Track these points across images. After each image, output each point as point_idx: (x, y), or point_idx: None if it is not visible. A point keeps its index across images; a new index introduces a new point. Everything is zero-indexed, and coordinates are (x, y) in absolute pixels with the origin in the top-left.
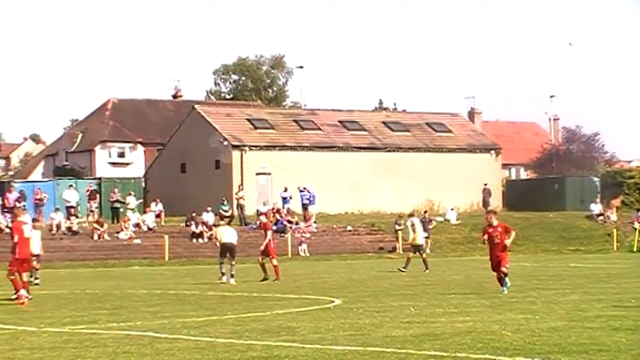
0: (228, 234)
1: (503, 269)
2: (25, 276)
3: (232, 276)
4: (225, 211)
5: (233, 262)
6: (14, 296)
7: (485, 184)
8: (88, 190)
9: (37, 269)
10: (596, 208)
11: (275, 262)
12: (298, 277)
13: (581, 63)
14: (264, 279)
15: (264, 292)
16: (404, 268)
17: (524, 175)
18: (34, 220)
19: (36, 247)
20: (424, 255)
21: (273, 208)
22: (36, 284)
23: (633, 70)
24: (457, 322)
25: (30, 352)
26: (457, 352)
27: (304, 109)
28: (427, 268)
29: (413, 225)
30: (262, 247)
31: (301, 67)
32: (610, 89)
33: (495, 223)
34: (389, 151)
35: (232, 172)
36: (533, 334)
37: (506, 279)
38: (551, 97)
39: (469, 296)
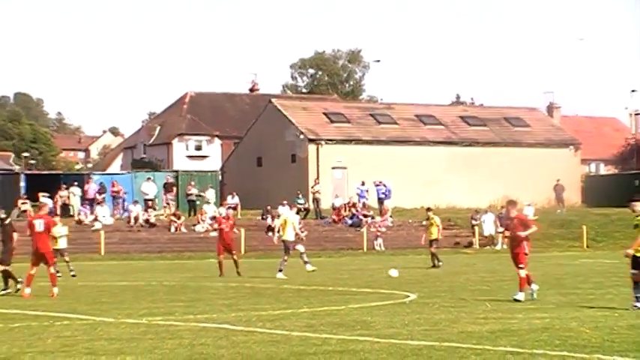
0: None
1: (519, 271)
2: (52, 269)
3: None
4: (301, 204)
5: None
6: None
7: (558, 180)
8: (165, 183)
9: (67, 261)
10: None
11: (235, 257)
12: (374, 272)
13: None
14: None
15: (339, 286)
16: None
17: (603, 170)
18: (52, 214)
19: (62, 241)
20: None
21: (348, 202)
22: (72, 276)
23: None
24: (534, 319)
25: (108, 342)
26: (534, 348)
27: (380, 103)
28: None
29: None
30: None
31: (378, 61)
32: None
33: (514, 214)
34: (465, 145)
35: (308, 165)
36: (612, 332)
37: (533, 286)
38: (632, 91)
39: (546, 292)
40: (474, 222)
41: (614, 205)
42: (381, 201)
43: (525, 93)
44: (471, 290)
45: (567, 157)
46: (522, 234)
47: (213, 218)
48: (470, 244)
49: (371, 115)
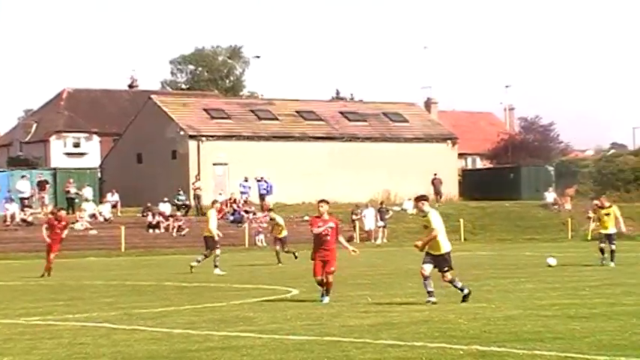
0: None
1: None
2: None
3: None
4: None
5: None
6: None
7: (435, 174)
8: (39, 181)
9: None
10: (551, 197)
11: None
12: (255, 268)
13: (535, 53)
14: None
15: (221, 283)
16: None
17: (480, 164)
18: None
19: None
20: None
21: (230, 199)
22: None
23: (587, 60)
24: (414, 312)
25: None
26: (414, 340)
27: (261, 99)
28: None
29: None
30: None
31: (258, 57)
32: (564, 79)
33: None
34: (346, 140)
35: (189, 162)
36: (488, 323)
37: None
38: (507, 87)
39: (405, 282)
40: (354, 217)
41: (490, 198)
42: (262, 197)
43: (404, 88)
44: (352, 285)
45: (445, 151)
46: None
47: (93, 216)
48: (350, 239)
49: (251, 110)
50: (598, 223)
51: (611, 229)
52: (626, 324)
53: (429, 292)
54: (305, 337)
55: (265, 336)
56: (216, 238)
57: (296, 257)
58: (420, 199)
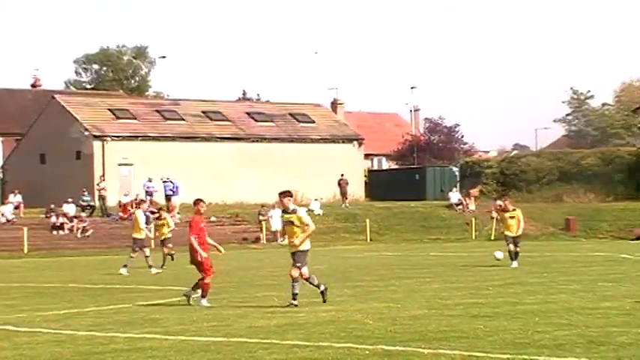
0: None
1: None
2: None
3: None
4: (87, 202)
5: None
6: None
7: (342, 175)
8: None
9: None
10: (455, 197)
11: None
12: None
13: (441, 54)
14: None
15: (126, 284)
16: None
17: (385, 165)
18: None
19: None
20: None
21: (135, 199)
22: None
23: (491, 62)
24: (320, 312)
25: None
26: (320, 341)
27: (167, 100)
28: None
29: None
30: None
31: (164, 57)
32: (469, 81)
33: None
34: (253, 141)
35: (93, 162)
36: (394, 323)
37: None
38: (412, 88)
39: (332, 286)
40: (261, 217)
41: (396, 198)
42: (168, 197)
43: (310, 89)
44: (258, 285)
45: (351, 152)
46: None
47: None
48: (257, 240)
49: (157, 111)
50: (502, 225)
51: (515, 231)
52: (528, 323)
53: (294, 295)
54: (211, 338)
55: (171, 337)
56: (145, 237)
57: (172, 259)
58: (285, 195)
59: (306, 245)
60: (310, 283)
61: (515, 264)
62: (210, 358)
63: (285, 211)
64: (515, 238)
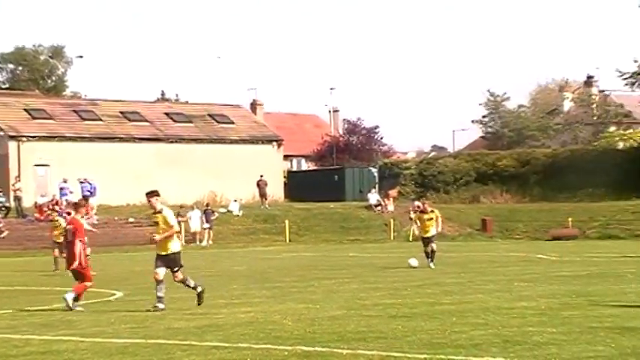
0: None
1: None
2: None
3: None
4: (2, 203)
5: None
6: None
7: (261, 176)
8: None
9: None
10: (374, 198)
11: None
12: None
13: (359, 56)
14: None
15: (43, 286)
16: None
17: (305, 166)
18: None
19: None
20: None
21: (51, 200)
22: None
23: (409, 63)
24: (239, 313)
25: None
26: (239, 342)
27: (84, 100)
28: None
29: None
30: None
31: (81, 57)
32: (388, 83)
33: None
34: (171, 142)
35: (9, 163)
36: (313, 323)
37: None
38: (331, 89)
39: (251, 287)
40: (180, 218)
41: (315, 199)
42: (85, 198)
43: (230, 90)
44: (177, 287)
45: (270, 153)
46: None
47: None
48: None
49: (74, 111)
50: (419, 225)
51: (432, 232)
52: (445, 323)
53: (158, 298)
54: (129, 340)
55: (88, 339)
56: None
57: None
58: (152, 194)
59: (175, 247)
60: (187, 285)
61: (432, 265)
62: None
63: (154, 211)
64: (431, 238)
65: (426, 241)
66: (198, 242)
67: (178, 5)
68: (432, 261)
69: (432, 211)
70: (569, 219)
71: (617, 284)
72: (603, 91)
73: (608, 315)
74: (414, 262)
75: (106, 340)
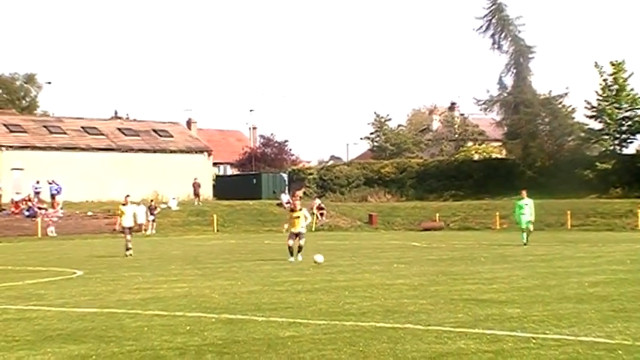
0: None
1: None
2: None
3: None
4: None
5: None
6: None
7: (195, 178)
8: None
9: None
10: (285, 197)
11: None
12: (47, 254)
13: (274, 83)
14: None
15: (17, 266)
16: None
17: (230, 171)
18: None
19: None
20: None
21: (25, 197)
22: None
23: (314, 90)
24: (176, 288)
25: None
26: (176, 311)
27: (52, 117)
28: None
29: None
30: None
31: (49, 83)
32: (296, 105)
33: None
34: (122, 151)
35: None
36: (235, 296)
37: None
38: (251, 110)
39: (186, 267)
40: (119, 217)
41: (238, 198)
42: (53, 196)
43: (170, 110)
44: (126, 267)
45: (202, 161)
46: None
47: None
48: (122, 231)
49: (44, 126)
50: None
51: (300, 229)
52: (339, 296)
53: None
54: (87, 309)
55: (54, 309)
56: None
57: None
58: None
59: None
60: None
61: (300, 258)
62: (86, 326)
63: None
64: (300, 233)
65: (295, 236)
66: (143, 231)
67: (129, 41)
68: (299, 252)
69: (301, 209)
70: (437, 214)
71: (473, 266)
72: (463, 114)
73: (466, 290)
74: (319, 258)
75: (69, 309)
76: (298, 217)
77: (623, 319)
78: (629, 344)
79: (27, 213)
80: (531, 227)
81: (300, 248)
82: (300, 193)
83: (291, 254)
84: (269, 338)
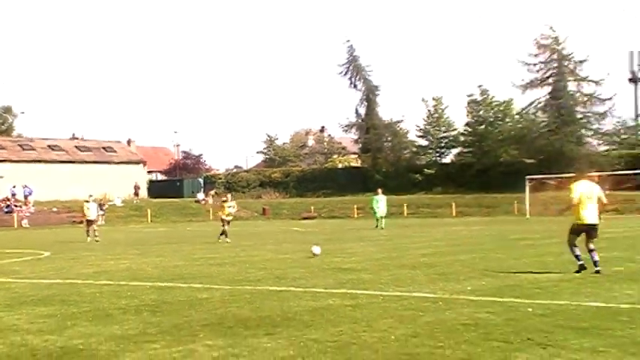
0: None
1: None
2: None
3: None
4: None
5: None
6: None
7: (136, 183)
8: None
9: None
10: (201, 196)
11: None
12: (22, 240)
13: (196, 107)
14: None
15: None
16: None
17: (160, 177)
18: None
19: None
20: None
21: (4, 198)
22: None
23: (221, 113)
24: (120, 264)
25: None
26: (120, 281)
27: (25, 138)
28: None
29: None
30: None
31: (23, 113)
32: (209, 125)
33: None
34: (79, 163)
35: None
36: (164, 269)
37: None
38: (175, 132)
39: (127, 248)
40: (85, 209)
41: (167, 197)
42: (26, 197)
43: (115, 130)
44: (82, 249)
45: (139, 170)
46: None
47: None
48: (81, 222)
49: (19, 145)
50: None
51: (228, 217)
52: (242, 267)
53: None
54: (53, 280)
55: (27, 280)
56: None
57: None
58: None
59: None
60: None
61: (228, 240)
62: (52, 292)
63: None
64: (228, 220)
65: (226, 222)
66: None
67: (84, 76)
68: (226, 237)
69: (226, 201)
70: (312, 207)
71: (342, 244)
72: (330, 134)
73: (334, 261)
74: (316, 249)
75: (39, 280)
76: (230, 206)
77: (443, 280)
78: (448, 297)
79: (6, 210)
80: (384, 215)
81: (226, 232)
82: (212, 193)
83: (223, 234)
84: (190, 299)
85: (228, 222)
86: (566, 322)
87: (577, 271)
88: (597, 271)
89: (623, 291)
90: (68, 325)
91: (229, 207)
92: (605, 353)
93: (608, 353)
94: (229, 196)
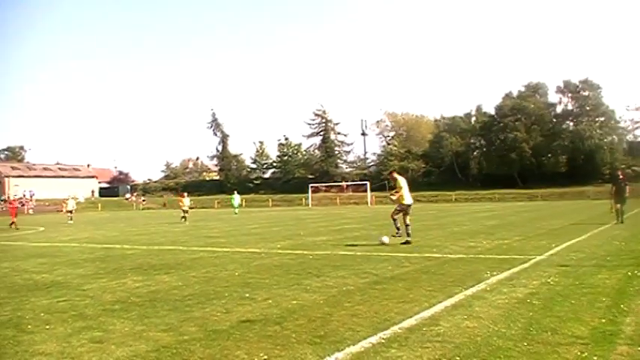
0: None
1: None
2: None
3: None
4: None
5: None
6: None
7: (92, 188)
8: None
9: None
10: (128, 196)
11: None
12: (28, 221)
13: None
14: None
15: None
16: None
17: (105, 185)
18: None
19: None
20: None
21: (19, 197)
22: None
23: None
24: (84, 235)
25: None
26: (83, 244)
27: (30, 163)
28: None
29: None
30: None
31: (30, 149)
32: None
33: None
34: (61, 178)
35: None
36: (108, 237)
37: None
38: (114, 160)
39: (88, 226)
40: (64, 205)
41: (109, 196)
42: (31, 196)
43: (80, 156)
44: (65, 226)
45: (94, 181)
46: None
47: None
48: (61, 211)
49: (27, 167)
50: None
51: (185, 207)
52: (152, 236)
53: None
54: (45, 244)
55: (30, 244)
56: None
57: None
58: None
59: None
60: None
61: (186, 223)
62: (44, 251)
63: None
64: (186, 210)
65: (184, 211)
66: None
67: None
68: (185, 220)
69: (185, 198)
70: (192, 202)
71: (207, 222)
72: (202, 161)
73: (201, 233)
74: (385, 239)
75: (37, 244)
76: (184, 203)
77: (264, 241)
78: (267, 251)
79: (19, 204)
80: (237, 206)
81: (186, 217)
82: (135, 194)
83: (183, 218)
84: (123, 254)
85: (186, 211)
86: (329, 263)
87: (404, 242)
88: (408, 242)
89: (361, 246)
90: (54, 269)
91: (185, 203)
92: (348, 278)
93: (350, 278)
94: (185, 194)
